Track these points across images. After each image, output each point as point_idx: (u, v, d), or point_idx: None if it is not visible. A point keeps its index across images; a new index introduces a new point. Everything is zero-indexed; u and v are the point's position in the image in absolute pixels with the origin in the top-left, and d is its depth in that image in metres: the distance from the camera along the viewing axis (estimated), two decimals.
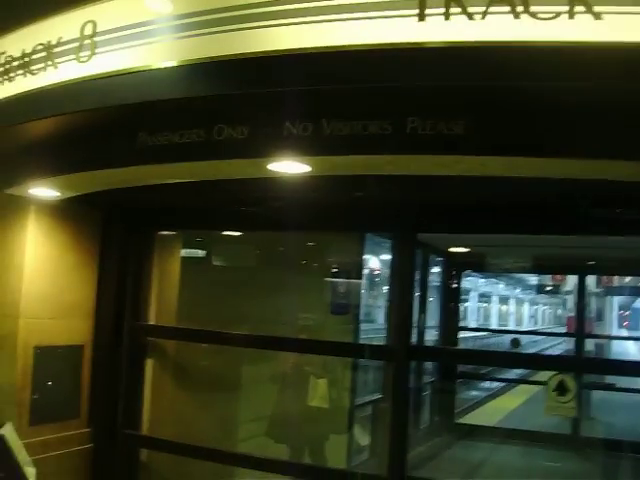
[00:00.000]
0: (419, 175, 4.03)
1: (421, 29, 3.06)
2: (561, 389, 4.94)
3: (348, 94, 3.36)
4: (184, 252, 6.89)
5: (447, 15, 3.00)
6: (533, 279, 19.16)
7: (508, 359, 7.18)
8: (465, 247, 8.67)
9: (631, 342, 19.62)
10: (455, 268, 10.50)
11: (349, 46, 3.18)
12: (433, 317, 9.96)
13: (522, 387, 15.59)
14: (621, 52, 2.81)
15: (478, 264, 10.82)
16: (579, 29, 2.84)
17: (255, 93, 3.44)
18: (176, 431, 6.10)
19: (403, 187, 4.41)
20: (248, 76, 3.38)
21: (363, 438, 7.80)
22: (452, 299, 10.62)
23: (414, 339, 7.29)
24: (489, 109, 3.25)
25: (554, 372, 5.08)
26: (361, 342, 7.05)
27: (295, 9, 3.29)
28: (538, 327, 25.58)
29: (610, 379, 10.63)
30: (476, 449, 9.61)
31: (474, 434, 10.31)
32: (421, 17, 3.05)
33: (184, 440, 5.74)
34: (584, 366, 7.31)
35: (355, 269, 7.30)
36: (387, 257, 6.44)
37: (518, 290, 23.09)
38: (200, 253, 7.57)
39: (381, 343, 6.34)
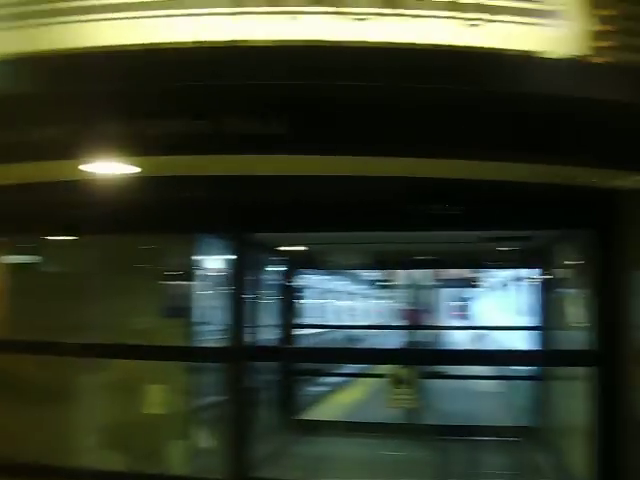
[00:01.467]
0: (244, 175, 4.02)
1: (238, 28, 3.02)
2: (399, 381, 5.05)
3: (167, 93, 3.27)
4: (10, 259, 6.53)
5: (264, 13, 2.98)
6: (370, 275, 19.64)
7: (344, 355, 7.32)
8: (300, 245, 8.74)
9: (462, 331, 20.54)
10: (291, 266, 10.56)
11: (166, 44, 3.11)
12: (272, 316, 9.96)
13: (364, 379, 15.93)
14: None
15: (314, 262, 10.92)
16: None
17: (68, 91, 3.29)
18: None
19: (229, 187, 4.38)
20: (59, 73, 3.23)
21: (206, 441, 7.68)
22: (289, 297, 10.67)
23: (251, 339, 7.30)
24: (307, 108, 3.27)
25: (393, 365, 5.20)
26: (197, 344, 6.92)
27: (111, 4, 3.18)
28: (375, 321, 26.26)
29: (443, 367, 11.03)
30: (319, 444, 9.68)
31: (317, 429, 10.39)
32: (238, 15, 3.01)
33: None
34: (418, 357, 7.57)
35: (189, 271, 7.17)
36: (223, 258, 6.37)
37: (356, 286, 23.58)
38: (28, 259, 7.19)
39: (216, 345, 6.26)
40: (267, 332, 9.60)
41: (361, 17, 2.77)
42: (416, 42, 2.78)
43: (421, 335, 12.38)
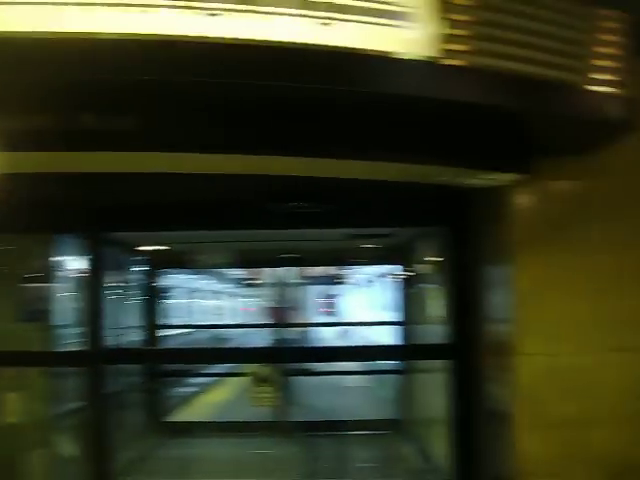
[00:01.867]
0: (100, 173, 3.90)
1: (86, 20, 2.87)
2: (261, 380, 5.05)
3: (14, 87, 3.09)
4: None
5: (114, 5, 2.84)
6: (237, 274, 19.59)
7: (207, 355, 7.24)
8: (162, 245, 8.58)
9: (328, 328, 20.82)
10: (154, 266, 10.36)
11: (8, 34, 2.92)
12: (135, 318, 9.75)
13: (232, 379, 15.85)
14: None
15: (178, 261, 10.76)
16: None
17: None
18: None
19: (85, 185, 4.24)
20: None
21: (67, 450, 7.42)
22: (153, 298, 10.48)
23: (111, 341, 7.13)
24: (159, 105, 3.18)
25: (254, 364, 5.18)
26: (54, 349, 6.67)
27: None
28: (243, 320, 26.23)
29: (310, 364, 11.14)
30: (187, 446, 9.57)
31: (185, 431, 10.27)
32: (85, 6, 2.87)
33: None
34: (282, 355, 7.61)
35: (47, 272, 6.90)
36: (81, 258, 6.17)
37: (223, 285, 23.46)
38: None
39: (72, 349, 6.05)
40: (130, 334, 9.41)
41: (213, 12, 2.73)
42: (269, 39, 2.77)
43: (288, 333, 12.45)
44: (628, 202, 4.49)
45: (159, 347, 10.08)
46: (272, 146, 3.48)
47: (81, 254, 5.23)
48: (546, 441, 4.28)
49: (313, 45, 2.85)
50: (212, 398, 14.52)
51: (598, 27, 3.76)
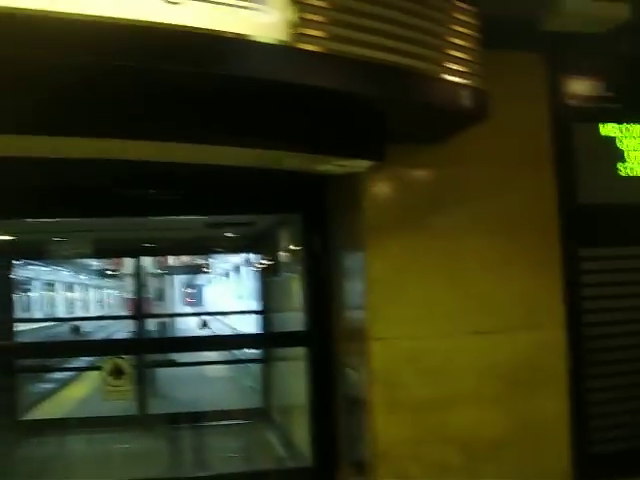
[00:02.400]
0: None
1: None
2: (116, 373, 4.88)
3: None
4: None
5: None
6: (96, 264, 19.02)
7: (64, 348, 6.97)
8: (14, 234, 8.15)
9: (196, 317, 20.57)
10: (9, 257, 9.87)
11: None
12: None
13: (93, 373, 15.35)
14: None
15: (34, 252, 10.31)
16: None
17: None
18: None
19: None
20: None
21: None
22: (8, 291, 9.98)
23: None
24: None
25: (109, 357, 4.99)
26: None
27: None
28: (105, 312, 25.58)
29: (176, 355, 10.96)
30: (46, 444, 9.20)
31: (43, 429, 9.86)
32: None
33: None
34: (144, 346, 7.44)
35: None
36: None
37: (83, 276, 22.76)
38: None
39: None
40: None
41: None
42: (109, 16, 2.62)
43: (149, 324, 12.16)
44: (478, 189, 4.64)
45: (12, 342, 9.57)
46: (122, 129, 3.35)
47: None
48: (403, 424, 4.37)
49: (158, 24, 2.74)
50: (71, 394, 14.03)
51: (453, 19, 3.86)
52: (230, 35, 2.96)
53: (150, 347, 7.41)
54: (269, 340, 7.83)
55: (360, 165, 4.25)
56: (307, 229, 5.30)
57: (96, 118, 3.24)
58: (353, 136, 3.93)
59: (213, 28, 2.90)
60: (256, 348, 9.47)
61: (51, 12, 2.59)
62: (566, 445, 4.75)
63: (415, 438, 4.39)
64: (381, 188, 4.48)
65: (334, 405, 5.12)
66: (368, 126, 3.95)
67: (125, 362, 4.94)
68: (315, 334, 5.20)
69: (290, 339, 6.02)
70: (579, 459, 4.78)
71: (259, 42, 3.07)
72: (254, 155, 3.84)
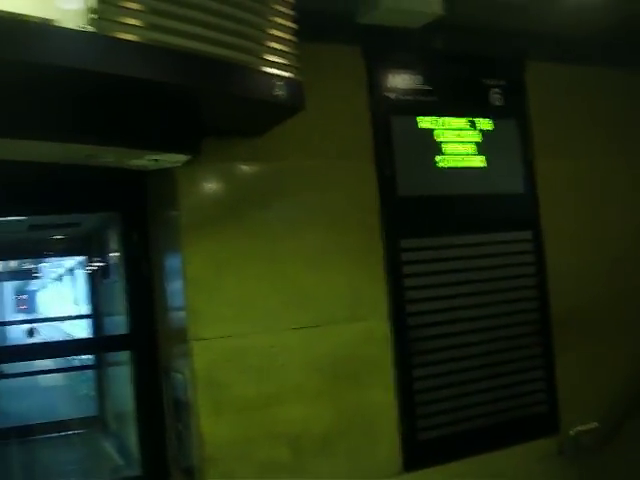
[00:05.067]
0: None
1: None
2: None
3: None
4: None
5: None
6: None
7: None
8: None
9: (24, 325, 19.71)
10: None
11: None
12: None
13: None
14: None
15: None
16: None
17: None
18: None
19: None
20: None
21: None
22: None
23: None
24: None
25: None
26: None
27: None
28: None
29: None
30: None
31: None
32: None
33: None
34: None
35: None
36: None
37: None
38: None
39: None
40: None
41: None
42: None
43: None
44: (300, 183, 4.62)
45: None
46: None
47: None
48: (230, 424, 4.28)
49: None
50: None
51: (271, 10, 3.80)
52: (31, 19, 2.74)
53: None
54: (93, 345, 7.55)
55: (175, 159, 4.08)
56: (126, 229, 5.09)
57: None
58: (167, 129, 3.77)
59: (13, 11, 2.67)
60: (81, 354, 9.15)
61: None
62: (395, 434, 4.82)
63: (243, 438, 4.29)
64: (198, 184, 4.34)
65: (161, 409, 4.94)
66: (183, 119, 3.81)
67: None
68: (138, 337, 5.00)
69: (114, 343, 5.82)
70: (408, 447, 4.87)
71: (62, 28, 2.86)
72: (64, 150, 3.60)
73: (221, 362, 4.26)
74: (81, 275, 13.81)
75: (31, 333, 13.66)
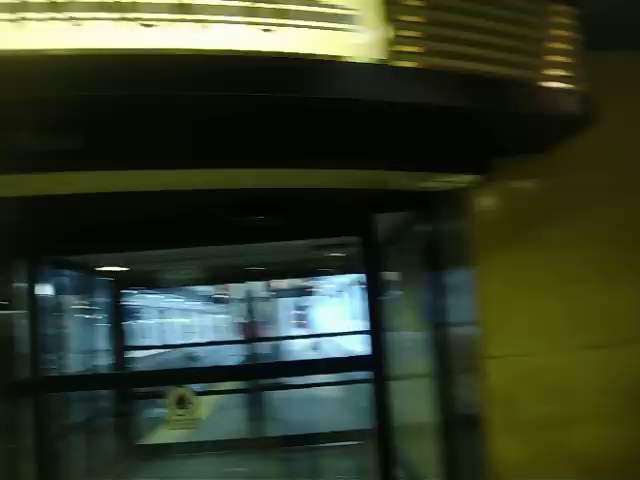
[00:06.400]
0: (53, 195, 3.76)
1: (18, 36, 2.73)
2: (181, 402, 4.89)
3: None
4: None
5: (46, 20, 2.70)
6: (206, 291, 19.42)
7: (177, 376, 7.11)
8: (127, 265, 8.43)
9: (308, 340, 20.73)
10: (118, 287, 10.19)
11: None
12: (100, 340, 9.57)
13: (208, 397, 15.70)
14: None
15: (144, 281, 10.64)
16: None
17: None
18: None
19: (27, 209, 4.09)
20: None
21: None
22: (120, 319, 10.30)
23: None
24: (102, 122, 3.08)
25: (175, 386, 5.01)
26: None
27: None
28: (217, 337, 25.92)
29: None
30: (163, 467, 9.45)
31: (160, 453, 10.12)
32: (18, 22, 2.73)
33: None
34: (255, 372, 7.51)
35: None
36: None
37: (192, 303, 23.30)
38: None
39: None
40: (98, 357, 9.21)
41: (148, 23, 2.62)
42: (211, 48, 2.68)
43: (259, 348, 12.35)
44: (589, 198, 4.47)
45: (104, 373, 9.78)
46: (230, 159, 3.41)
47: (27, 280, 5.05)
48: (521, 444, 4.23)
49: (254, 52, 2.77)
50: None
51: (550, 23, 3.74)
52: (327, 57, 2.96)
53: (262, 373, 7.43)
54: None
55: (465, 180, 4.18)
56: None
57: (201, 151, 3.31)
58: (457, 151, 3.86)
59: (308, 52, 2.91)
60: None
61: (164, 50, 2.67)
62: None
63: (534, 458, 4.23)
64: (487, 202, 4.38)
65: (450, 425, 5.00)
66: (471, 140, 3.87)
67: (189, 391, 4.93)
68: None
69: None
70: None
71: (355, 62, 3.07)
72: (359, 177, 3.82)
73: (514, 380, 4.24)
74: (352, 291, 14.26)
75: (315, 347, 14.34)
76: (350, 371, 7.44)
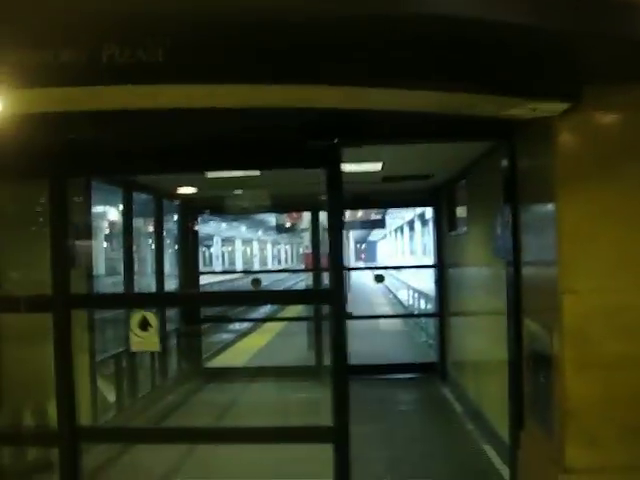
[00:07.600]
0: (122, 112, 3.72)
1: None
2: (143, 325, 4.91)
3: (32, 18, 2.93)
4: None
5: None
6: (272, 220, 19.54)
7: (245, 297, 7.29)
8: (195, 188, 8.45)
9: (367, 272, 20.77)
10: (189, 212, 10.29)
11: None
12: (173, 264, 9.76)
13: (269, 325, 15.98)
14: None
15: (214, 206, 10.69)
16: None
17: None
18: None
19: (108, 126, 4.06)
20: None
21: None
22: (190, 245, 10.43)
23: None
24: (189, 34, 3.00)
25: (137, 310, 5.02)
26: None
27: None
28: (282, 266, 26.27)
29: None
30: (226, 391, 9.67)
31: (224, 376, 10.36)
32: None
33: None
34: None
35: (83, 220, 6.80)
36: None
37: (260, 232, 23.55)
38: None
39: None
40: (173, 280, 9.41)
41: None
42: None
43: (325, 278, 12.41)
44: None
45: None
46: (313, 74, 3.30)
47: (116, 201, 5.09)
48: (594, 382, 4.10)
49: None
50: (251, 343, 14.60)
51: None
52: None
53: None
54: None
55: (554, 108, 3.97)
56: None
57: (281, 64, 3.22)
58: (547, 77, 3.67)
59: None
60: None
61: None
62: None
63: (606, 398, 4.09)
64: (575, 134, 4.16)
65: (520, 361, 4.92)
66: (563, 66, 3.66)
67: (152, 315, 4.95)
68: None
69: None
70: None
71: None
72: (446, 101, 3.69)
73: (592, 317, 4.09)
74: (419, 226, 14.18)
75: (380, 279, 14.15)
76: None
